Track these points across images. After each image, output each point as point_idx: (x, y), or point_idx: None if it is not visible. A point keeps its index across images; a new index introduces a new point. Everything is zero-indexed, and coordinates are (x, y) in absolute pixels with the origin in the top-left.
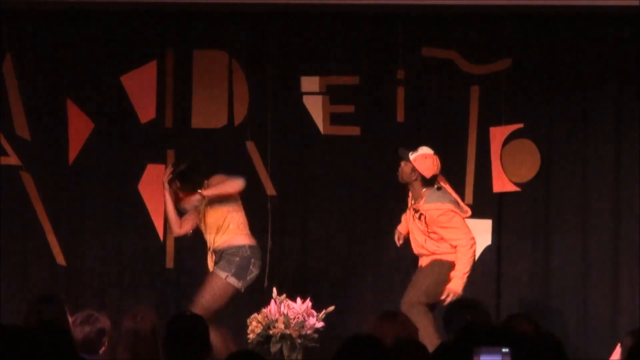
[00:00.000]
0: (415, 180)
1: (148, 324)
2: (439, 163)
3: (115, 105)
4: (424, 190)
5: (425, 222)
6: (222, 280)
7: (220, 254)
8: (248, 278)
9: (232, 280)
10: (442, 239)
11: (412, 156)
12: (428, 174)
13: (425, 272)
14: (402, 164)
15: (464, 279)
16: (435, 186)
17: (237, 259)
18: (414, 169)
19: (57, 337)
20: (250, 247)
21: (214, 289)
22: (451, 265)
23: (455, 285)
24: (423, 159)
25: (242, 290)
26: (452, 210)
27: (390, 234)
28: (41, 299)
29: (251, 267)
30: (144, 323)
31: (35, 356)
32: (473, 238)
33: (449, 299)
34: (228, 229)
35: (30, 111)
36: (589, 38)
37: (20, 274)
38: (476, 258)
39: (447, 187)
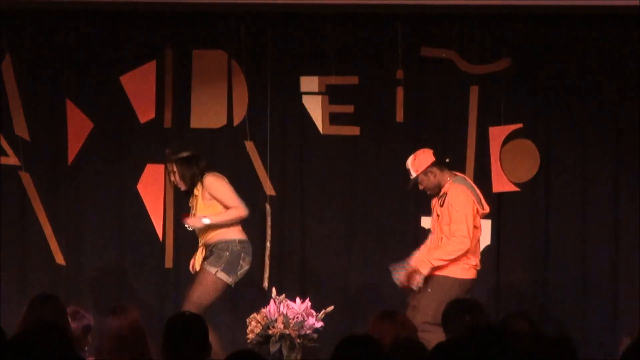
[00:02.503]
0: (434, 176)
1: (131, 319)
2: (425, 152)
3: (114, 105)
4: (448, 176)
5: (445, 204)
6: (211, 276)
7: (210, 248)
8: (238, 273)
9: (222, 276)
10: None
11: (413, 172)
12: (426, 164)
13: (431, 295)
14: (420, 186)
15: (433, 265)
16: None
17: (227, 253)
18: (424, 173)
19: (56, 337)
20: (240, 241)
21: (204, 285)
22: (458, 282)
23: (422, 267)
24: (415, 162)
25: (232, 285)
26: (470, 196)
27: (390, 233)
28: (41, 298)
29: (241, 262)
30: (127, 319)
31: (35, 356)
32: (469, 240)
33: (414, 282)
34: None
35: (29, 111)
36: (589, 38)
37: (20, 274)
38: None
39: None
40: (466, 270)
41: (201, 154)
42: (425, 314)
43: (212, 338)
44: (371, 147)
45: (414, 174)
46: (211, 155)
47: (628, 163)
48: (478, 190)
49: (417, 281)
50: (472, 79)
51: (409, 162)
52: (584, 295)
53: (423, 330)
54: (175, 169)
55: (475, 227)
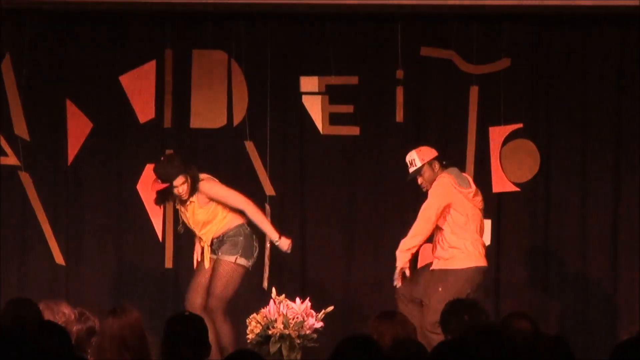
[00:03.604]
0: (433, 170)
1: (131, 319)
2: (427, 147)
3: (114, 105)
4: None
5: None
6: (231, 264)
7: (220, 239)
8: (254, 255)
9: (242, 261)
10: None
11: (419, 161)
12: (432, 155)
13: (442, 293)
14: (420, 179)
15: (402, 253)
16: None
17: (241, 238)
18: (429, 163)
19: (56, 337)
20: (248, 224)
21: (225, 276)
22: (467, 272)
23: (401, 261)
24: (421, 152)
25: (250, 269)
26: (449, 182)
27: (390, 233)
28: (15, 302)
29: (254, 243)
30: (127, 319)
31: (34, 356)
32: (429, 226)
33: (395, 279)
34: (224, 218)
35: (29, 111)
36: (589, 38)
37: (20, 274)
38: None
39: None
40: (473, 259)
41: (173, 156)
42: (437, 313)
43: (228, 333)
44: (371, 147)
45: (419, 163)
46: (211, 155)
47: (628, 163)
48: (469, 179)
49: (396, 276)
50: (472, 79)
51: (414, 153)
52: (583, 295)
53: (433, 331)
54: (187, 178)
55: (467, 215)
